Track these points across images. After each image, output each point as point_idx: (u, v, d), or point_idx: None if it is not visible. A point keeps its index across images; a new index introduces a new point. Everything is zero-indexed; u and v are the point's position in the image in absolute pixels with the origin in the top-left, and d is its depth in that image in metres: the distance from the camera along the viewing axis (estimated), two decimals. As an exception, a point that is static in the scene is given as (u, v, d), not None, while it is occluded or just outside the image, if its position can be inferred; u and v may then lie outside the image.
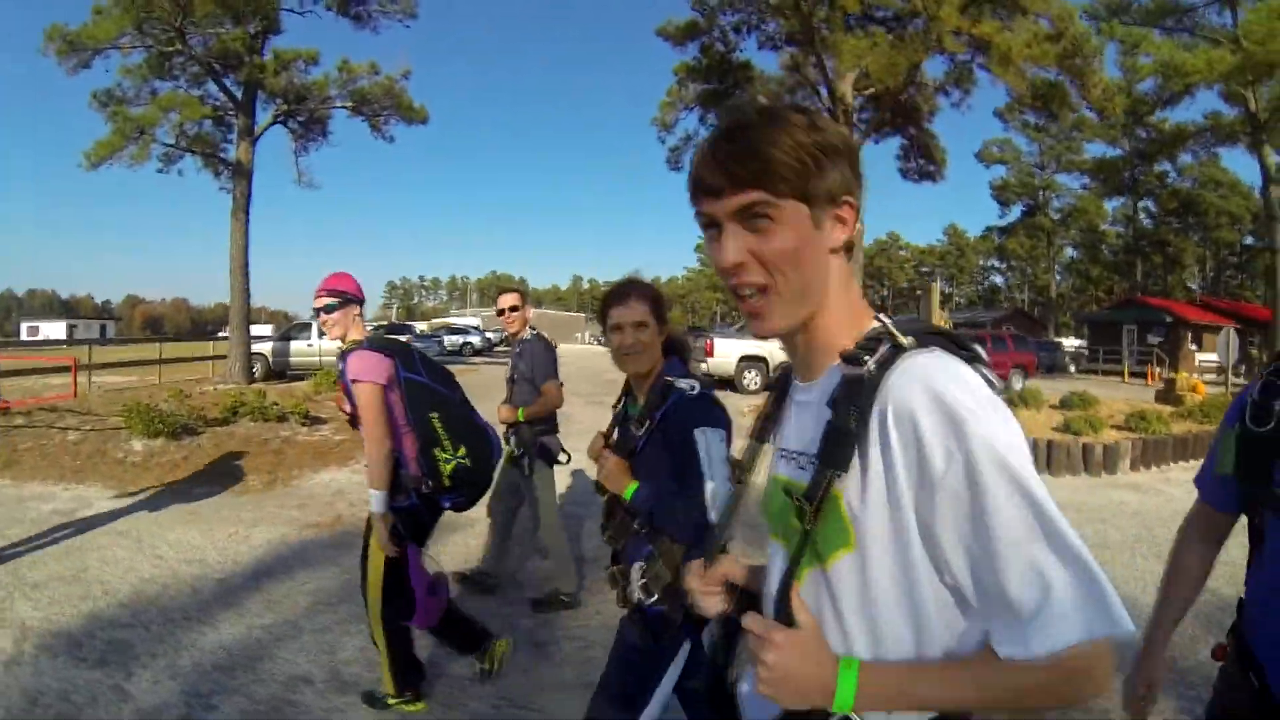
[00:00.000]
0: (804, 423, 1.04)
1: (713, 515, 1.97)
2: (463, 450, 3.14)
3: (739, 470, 1.24)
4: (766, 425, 1.21)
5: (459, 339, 33.30)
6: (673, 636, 2.16)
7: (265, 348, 17.41)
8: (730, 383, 16.61)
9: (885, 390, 0.90)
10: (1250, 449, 1.59)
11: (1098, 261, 51.41)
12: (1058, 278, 56.96)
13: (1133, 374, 28.36)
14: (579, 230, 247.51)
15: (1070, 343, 38.40)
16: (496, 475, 3.73)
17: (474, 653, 3.61)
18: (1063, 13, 17.82)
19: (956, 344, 0.96)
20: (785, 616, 0.97)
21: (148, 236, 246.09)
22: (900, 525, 0.89)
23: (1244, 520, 1.68)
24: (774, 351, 17.26)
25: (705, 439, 2.06)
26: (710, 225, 0.99)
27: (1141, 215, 43.61)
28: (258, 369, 16.38)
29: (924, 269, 79.42)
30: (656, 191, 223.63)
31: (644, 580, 2.14)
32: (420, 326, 34.19)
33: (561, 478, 5.53)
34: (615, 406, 2.49)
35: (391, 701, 3.34)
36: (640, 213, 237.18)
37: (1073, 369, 31.62)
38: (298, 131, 16.16)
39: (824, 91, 19.61)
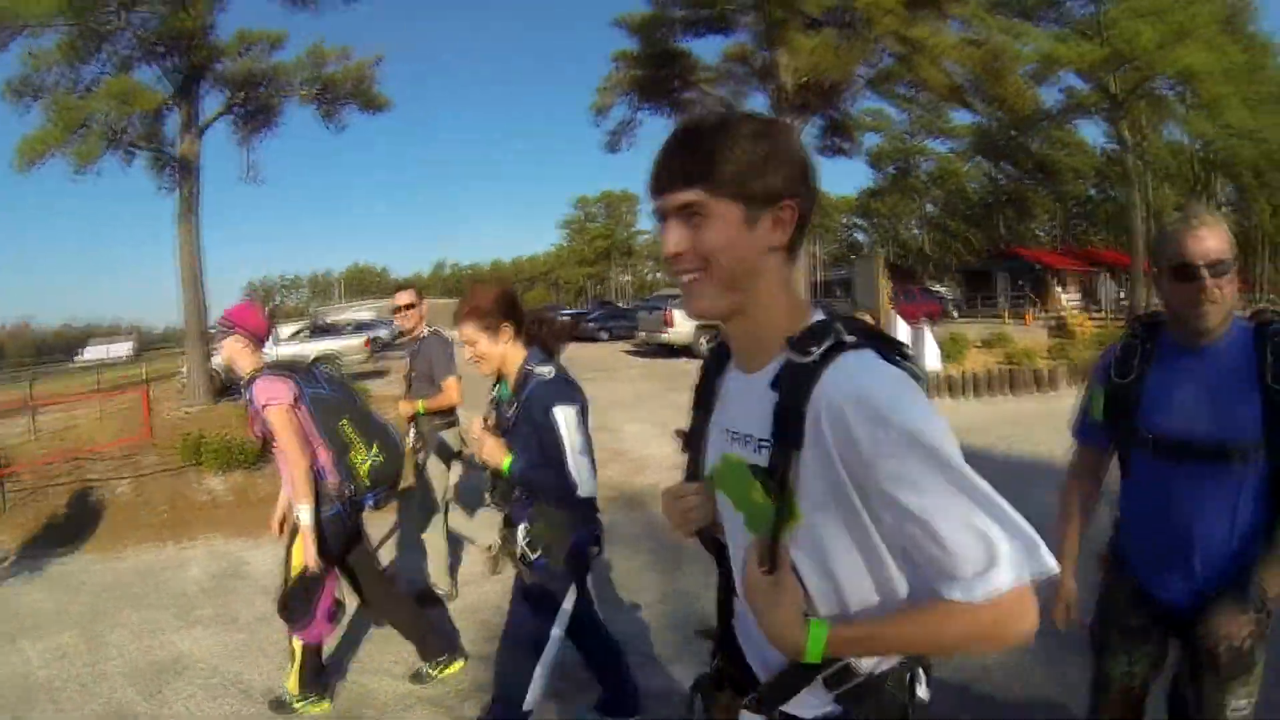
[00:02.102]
0: (749, 407, 1.14)
1: (575, 477, 2.45)
2: (375, 447, 3.41)
3: (688, 438, 1.37)
4: (704, 397, 1.32)
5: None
6: (558, 583, 2.63)
7: (217, 362, 15.58)
8: (688, 349, 17.85)
9: (822, 380, 1.01)
10: (1116, 399, 1.97)
11: (956, 216, 55.91)
12: (917, 232, 61.64)
13: (1013, 315, 31.11)
14: (438, 214, 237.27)
15: (943, 291, 41.93)
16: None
17: (430, 659, 3.78)
18: (974, 16, 20.39)
19: (889, 345, 1.09)
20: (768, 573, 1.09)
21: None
22: (842, 497, 1.02)
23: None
24: (725, 323, 18.75)
25: (563, 415, 2.47)
26: (661, 217, 1.11)
27: (999, 175, 47.93)
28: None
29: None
30: (520, 169, 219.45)
31: (528, 539, 2.59)
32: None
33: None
34: (491, 391, 2.89)
35: (297, 705, 3.46)
36: (503, 189, 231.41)
37: (955, 314, 34.65)
38: (245, 122, 14.34)
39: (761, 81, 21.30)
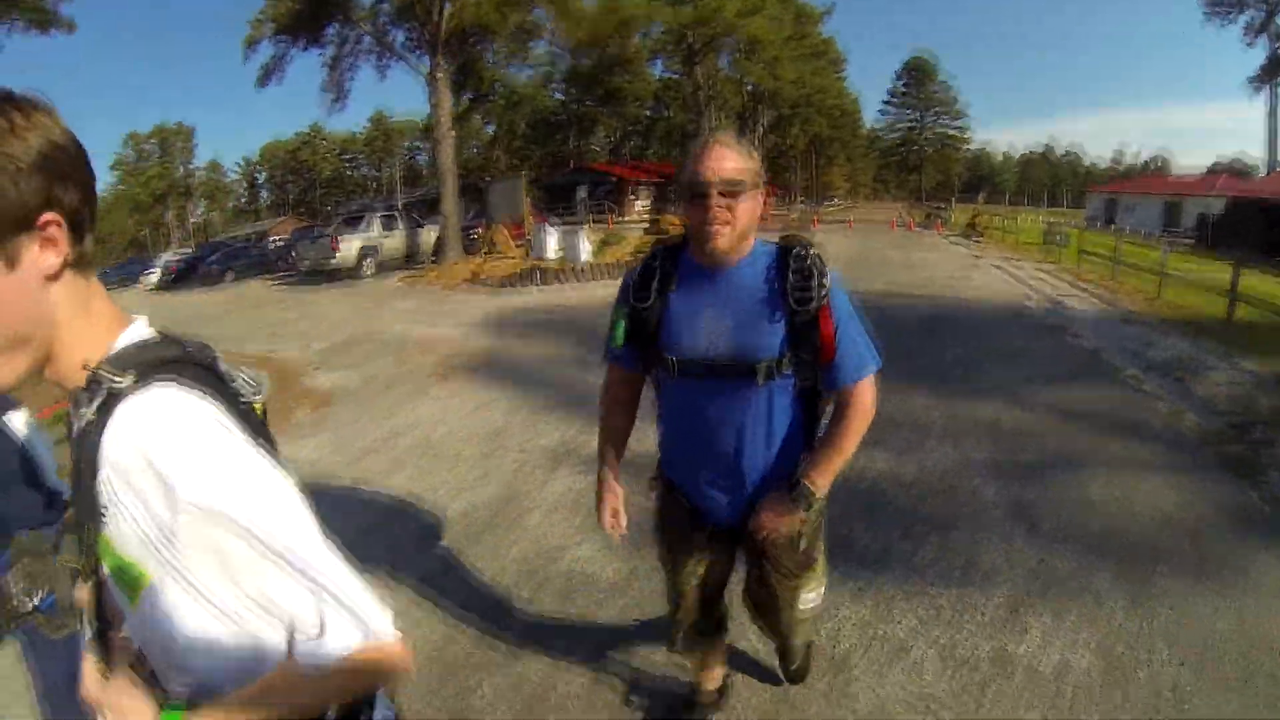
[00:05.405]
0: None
1: (54, 478, 1.95)
2: None
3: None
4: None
5: None
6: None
7: None
8: (353, 271, 20.42)
9: (104, 444, 0.83)
10: (637, 323, 1.92)
11: (517, 135, 61.89)
12: (476, 151, 65.30)
13: (595, 222, 35.92)
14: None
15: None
16: None
17: None
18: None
19: (200, 366, 0.91)
20: (107, 663, 0.94)
21: None
22: (172, 566, 0.87)
23: None
24: (384, 242, 21.54)
25: (17, 417, 1.96)
26: None
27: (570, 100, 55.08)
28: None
29: (346, 156, 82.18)
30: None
31: (24, 584, 1.94)
32: None
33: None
34: None
35: None
36: None
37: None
38: None
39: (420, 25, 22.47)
